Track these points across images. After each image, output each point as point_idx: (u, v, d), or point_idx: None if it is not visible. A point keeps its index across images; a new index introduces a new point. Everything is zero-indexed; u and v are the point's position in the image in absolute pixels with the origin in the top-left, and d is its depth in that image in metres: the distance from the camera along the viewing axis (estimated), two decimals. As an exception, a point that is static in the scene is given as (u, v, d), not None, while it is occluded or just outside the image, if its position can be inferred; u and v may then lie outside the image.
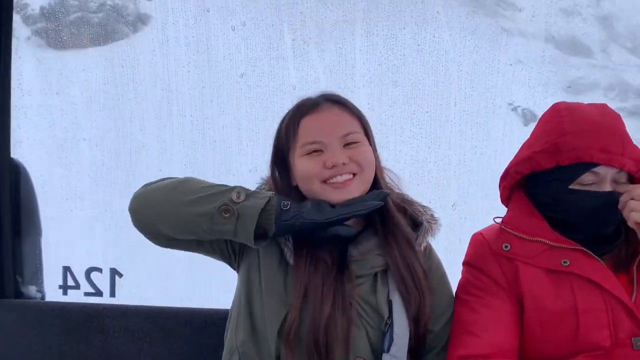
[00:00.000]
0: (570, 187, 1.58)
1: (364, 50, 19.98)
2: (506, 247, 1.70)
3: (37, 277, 3.02)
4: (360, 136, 1.67)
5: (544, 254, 1.64)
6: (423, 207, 1.79)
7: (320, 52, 19.98)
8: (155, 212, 1.55)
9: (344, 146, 1.65)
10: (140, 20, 19.16)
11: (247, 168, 17.46)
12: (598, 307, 1.57)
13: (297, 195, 1.67)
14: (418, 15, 20.10)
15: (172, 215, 1.53)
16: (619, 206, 1.52)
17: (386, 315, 1.64)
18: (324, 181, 1.65)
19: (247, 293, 1.62)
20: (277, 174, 1.74)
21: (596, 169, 1.59)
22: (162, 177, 1.66)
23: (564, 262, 1.61)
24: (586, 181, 1.60)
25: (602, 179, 1.60)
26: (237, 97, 18.84)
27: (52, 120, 17.36)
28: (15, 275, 2.86)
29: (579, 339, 1.48)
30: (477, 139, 17.78)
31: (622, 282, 1.57)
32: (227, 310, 2.21)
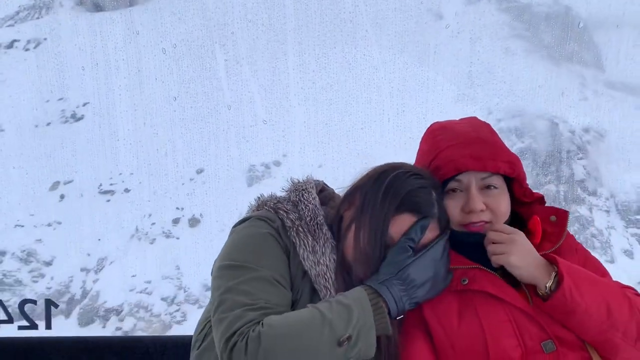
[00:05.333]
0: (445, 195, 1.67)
1: (297, 69, 20.13)
2: None
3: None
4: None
5: None
6: None
7: (254, 71, 19.97)
8: None
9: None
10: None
11: (184, 192, 17.21)
12: (501, 319, 1.54)
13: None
14: (348, 34, 20.52)
15: None
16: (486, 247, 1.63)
17: None
18: None
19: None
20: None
21: (459, 177, 1.61)
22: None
23: (463, 280, 1.58)
24: (451, 188, 1.62)
25: (466, 185, 1.61)
26: (171, 118, 18.60)
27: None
28: (-55, 310, 2.71)
29: (490, 353, 1.53)
30: (412, 153, 18.16)
31: (521, 291, 1.63)
32: (171, 337, 2.13)
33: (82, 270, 14.74)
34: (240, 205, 14.89)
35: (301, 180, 1.72)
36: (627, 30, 17.38)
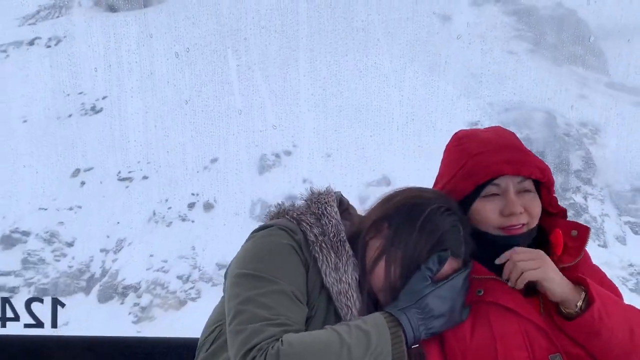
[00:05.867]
0: (477, 201, 1.69)
1: (308, 76, 20.14)
2: None
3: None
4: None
5: None
6: None
7: (265, 77, 20.01)
8: None
9: None
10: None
11: (199, 179, 17.45)
12: (513, 330, 1.55)
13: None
14: (359, 42, 20.54)
15: None
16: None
17: None
18: None
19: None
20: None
21: (496, 181, 1.62)
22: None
23: (479, 291, 1.59)
24: (489, 192, 1.62)
25: (504, 189, 1.62)
26: (182, 122, 18.69)
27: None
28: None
29: None
30: (420, 161, 18.13)
31: (534, 304, 1.59)
32: (174, 338, 2.15)
33: (101, 250, 15.52)
34: (251, 192, 15.61)
35: (322, 191, 1.66)
36: (636, 41, 17.58)
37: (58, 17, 19.54)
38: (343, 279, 1.53)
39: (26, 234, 15.77)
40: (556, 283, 1.54)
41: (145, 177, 16.67)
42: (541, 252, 1.58)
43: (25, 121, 17.40)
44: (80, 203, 16.17)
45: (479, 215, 1.64)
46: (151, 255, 15.03)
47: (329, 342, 1.43)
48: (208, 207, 15.93)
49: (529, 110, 17.19)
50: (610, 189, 16.45)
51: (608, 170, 16.59)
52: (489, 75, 18.30)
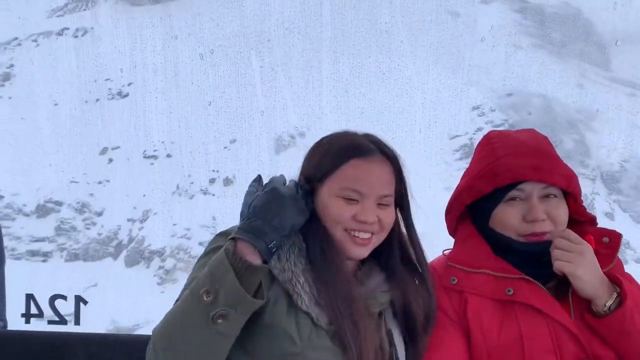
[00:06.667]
0: (500, 205, 1.66)
1: (331, 78, 20.20)
2: (453, 280, 1.66)
3: (-1, 306, 2.86)
4: (392, 199, 1.60)
5: (490, 285, 1.62)
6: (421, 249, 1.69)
7: (288, 79, 20.13)
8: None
9: (377, 205, 1.56)
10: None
11: (220, 157, 17.80)
12: (542, 333, 1.53)
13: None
14: (383, 44, 20.51)
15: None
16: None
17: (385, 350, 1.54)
18: (346, 230, 1.55)
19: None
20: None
21: (521, 186, 1.59)
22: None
23: (508, 291, 1.58)
24: (512, 196, 1.60)
25: (527, 195, 1.60)
26: (205, 122, 18.92)
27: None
28: (-24, 304, 2.75)
29: None
30: (443, 165, 18.07)
31: (565, 307, 1.57)
32: None
33: (128, 220, 16.89)
34: (268, 169, 16.46)
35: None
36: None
37: (85, 10, 20.42)
38: (286, 267, 1.50)
39: (59, 204, 17.21)
40: (585, 282, 1.52)
41: (169, 155, 17.96)
42: (582, 247, 1.55)
43: (56, 104, 18.59)
44: (109, 178, 17.60)
45: (501, 220, 1.62)
46: (175, 224, 16.40)
47: (180, 302, 1.44)
48: (227, 182, 17.16)
49: (528, 96, 17.90)
50: (601, 170, 17.67)
51: (600, 153, 17.70)
52: (513, 79, 18.18)
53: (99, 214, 17.07)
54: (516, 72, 18.22)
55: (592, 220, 1.72)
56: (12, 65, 19.53)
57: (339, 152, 1.55)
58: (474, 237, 1.70)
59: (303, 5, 19.12)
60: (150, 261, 15.96)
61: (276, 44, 19.29)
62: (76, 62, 19.11)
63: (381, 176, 1.56)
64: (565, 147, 16.65)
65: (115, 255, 16.32)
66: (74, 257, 16.33)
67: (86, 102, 18.80)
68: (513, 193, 1.60)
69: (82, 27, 19.79)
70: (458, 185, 1.74)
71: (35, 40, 19.76)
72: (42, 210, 17.12)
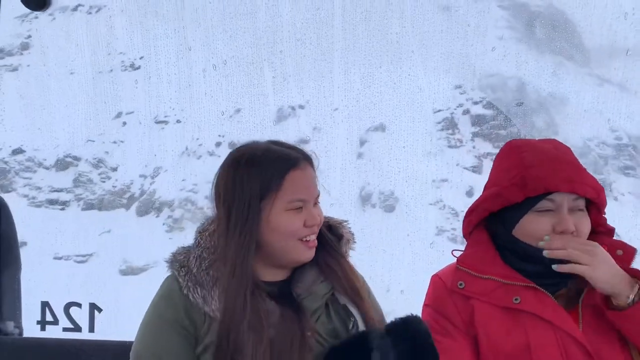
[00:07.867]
0: (528, 214, 1.63)
1: (342, 88, 20.29)
2: (461, 284, 1.65)
3: (15, 313, 2.80)
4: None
5: (497, 292, 1.62)
6: (339, 221, 1.73)
7: (300, 89, 20.26)
8: None
9: (314, 205, 1.59)
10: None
11: (225, 124, 18.10)
12: (550, 343, 1.52)
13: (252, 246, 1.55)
14: (394, 54, 20.54)
15: None
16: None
17: (343, 336, 1.58)
18: (300, 239, 1.56)
19: None
20: (232, 220, 1.56)
21: (552, 196, 1.59)
22: None
23: (515, 299, 1.57)
24: (543, 207, 1.60)
25: (558, 205, 1.59)
26: (218, 132, 19.12)
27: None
28: (-7, 311, 2.78)
29: None
30: (453, 174, 18.03)
31: (574, 317, 1.57)
32: None
33: (140, 176, 18.15)
34: (268, 136, 16.61)
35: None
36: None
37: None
38: (213, 306, 1.53)
39: (77, 159, 18.63)
40: (604, 283, 1.53)
41: (178, 121, 19.23)
42: (595, 248, 1.57)
43: (72, 73, 19.64)
44: (123, 138, 18.95)
45: (529, 229, 1.62)
46: (183, 180, 17.62)
47: None
48: (233, 145, 17.07)
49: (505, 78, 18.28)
50: (568, 144, 17.21)
51: (567, 131, 17.84)
52: (523, 89, 18.17)
53: (114, 169, 18.36)
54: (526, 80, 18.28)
55: (611, 231, 1.72)
56: (30, 36, 20.71)
57: (275, 167, 1.54)
58: (486, 244, 1.71)
59: (315, 16, 19.29)
60: (160, 211, 17.15)
61: (288, 55, 19.47)
62: (90, 35, 20.07)
63: (313, 178, 1.61)
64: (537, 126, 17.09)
65: (127, 205, 17.57)
66: (90, 206, 17.64)
67: (100, 72, 19.89)
68: (544, 203, 1.60)
69: (95, 5, 20.79)
70: (483, 193, 1.74)
71: (51, 14, 20.53)
72: (62, 164, 18.52)
